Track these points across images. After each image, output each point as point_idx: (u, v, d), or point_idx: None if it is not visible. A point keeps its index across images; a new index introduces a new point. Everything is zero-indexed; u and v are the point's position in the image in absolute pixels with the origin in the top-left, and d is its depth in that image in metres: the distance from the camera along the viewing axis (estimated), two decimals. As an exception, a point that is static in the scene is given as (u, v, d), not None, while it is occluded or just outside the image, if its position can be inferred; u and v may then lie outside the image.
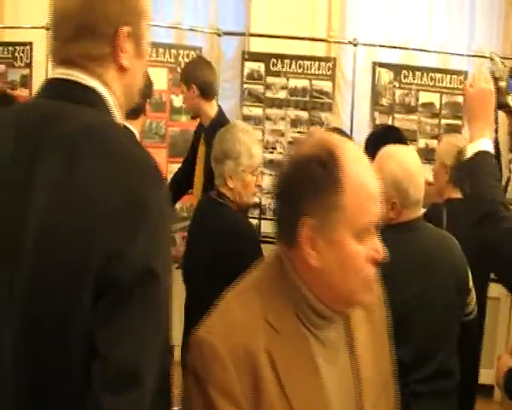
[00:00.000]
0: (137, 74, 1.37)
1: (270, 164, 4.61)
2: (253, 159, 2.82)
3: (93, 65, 1.29)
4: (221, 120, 3.62)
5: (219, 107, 3.95)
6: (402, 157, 2.34)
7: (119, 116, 1.33)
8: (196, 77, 3.71)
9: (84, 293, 1.12)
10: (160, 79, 4.60)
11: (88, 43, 1.28)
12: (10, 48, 5.36)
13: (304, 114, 4.67)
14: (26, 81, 5.26)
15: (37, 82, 5.18)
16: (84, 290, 1.12)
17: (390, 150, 2.39)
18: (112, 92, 1.31)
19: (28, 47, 5.30)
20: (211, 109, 3.84)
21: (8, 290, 1.17)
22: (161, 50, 4.83)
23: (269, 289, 1.31)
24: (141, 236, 1.14)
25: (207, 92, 3.72)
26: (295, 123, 4.68)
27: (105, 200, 1.14)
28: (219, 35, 5.02)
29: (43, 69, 5.23)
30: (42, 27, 5.32)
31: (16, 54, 5.33)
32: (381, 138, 3.27)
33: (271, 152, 4.69)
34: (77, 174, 1.16)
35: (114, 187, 1.15)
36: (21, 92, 5.18)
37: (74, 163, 1.17)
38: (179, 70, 4.52)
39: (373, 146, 3.22)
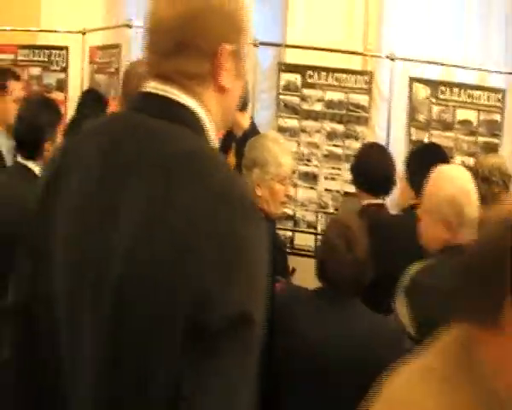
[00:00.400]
0: (236, 96, 1.29)
1: (304, 176, 4.59)
2: (282, 168, 2.79)
3: (191, 83, 1.20)
4: (253, 132, 3.60)
5: (252, 118, 3.94)
6: (457, 176, 2.33)
7: (214, 139, 1.25)
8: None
9: (171, 335, 1.05)
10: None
11: (187, 59, 1.19)
12: (46, 51, 5.39)
13: (339, 127, 4.64)
14: (61, 85, 5.29)
15: (73, 86, 5.21)
16: (171, 333, 1.05)
17: (444, 170, 2.38)
18: (209, 113, 1.22)
19: (64, 51, 5.33)
20: (243, 120, 3.82)
21: (89, 330, 1.12)
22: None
23: (449, 381, 1.05)
24: (235, 278, 1.05)
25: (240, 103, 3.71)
26: (331, 136, 4.66)
27: (198, 236, 1.05)
28: (256, 45, 5.01)
29: (78, 73, 5.27)
30: (78, 32, 5.39)
31: (52, 57, 5.36)
32: (424, 157, 3.24)
33: (306, 164, 4.66)
34: (170, 204, 1.07)
35: (209, 223, 1.06)
36: (57, 96, 5.21)
37: (167, 192, 1.08)
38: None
39: (417, 164, 3.19)
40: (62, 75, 5.32)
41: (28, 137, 2.75)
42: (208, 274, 1.04)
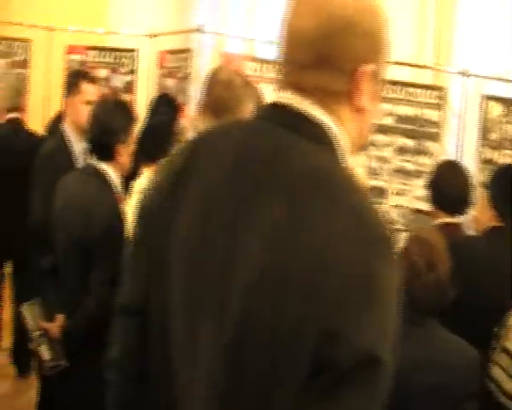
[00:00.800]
0: (371, 117, 1.22)
1: (373, 191, 4.53)
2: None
3: (328, 100, 1.14)
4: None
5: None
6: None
7: (348, 159, 1.18)
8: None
9: (294, 368, 0.98)
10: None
11: (327, 75, 1.13)
12: (114, 53, 5.44)
13: (410, 143, 4.58)
14: (129, 88, 5.33)
15: (141, 89, 5.24)
16: (294, 364, 0.98)
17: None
18: (345, 133, 1.16)
19: (133, 54, 5.37)
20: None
21: (209, 348, 1.06)
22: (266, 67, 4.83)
23: None
24: (365, 317, 0.98)
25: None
26: (401, 151, 4.60)
27: (327, 266, 0.98)
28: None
29: (145, 76, 5.30)
30: (146, 35, 5.42)
31: (120, 60, 5.40)
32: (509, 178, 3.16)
33: (375, 179, 4.61)
34: (300, 227, 1.01)
35: (340, 254, 0.99)
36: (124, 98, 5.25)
37: (300, 214, 1.02)
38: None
39: (502, 186, 3.12)
40: (130, 78, 5.36)
41: (101, 140, 2.74)
42: (337, 315, 0.98)
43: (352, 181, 1.09)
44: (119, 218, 2.66)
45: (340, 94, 1.14)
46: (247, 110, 2.37)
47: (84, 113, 3.45)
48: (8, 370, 4.53)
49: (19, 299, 4.29)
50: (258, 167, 1.08)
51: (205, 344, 1.07)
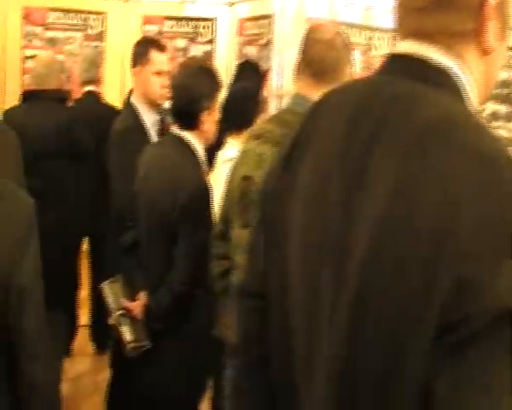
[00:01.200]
0: (499, 60, 1.12)
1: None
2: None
3: (452, 42, 1.05)
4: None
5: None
6: None
7: (476, 106, 1.09)
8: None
9: (423, 328, 0.89)
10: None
11: (449, 15, 1.04)
12: (192, 23, 5.25)
13: (503, 108, 4.21)
14: (208, 57, 5.14)
15: (220, 58, 5.05)
16: (423, 325, 0.89)
17: None
18: (472, 77, 1.07)
19: (211, 23, 5.17)
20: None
21: (325, 320, 1.01)
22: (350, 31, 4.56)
23: None
24: (504, 268, 0.86)
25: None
26: (494, 117, 4.24)
27: (462, 216, 0.89)
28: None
29: (225, 46, 5.11)
30: (225, 4, 5.22)
31: (199, 29, 5.21)
32: None
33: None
34: (424, 180, 0.93)
35: (476, 203, 0.89)
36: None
37: (428, 160, 0.94)
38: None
39: None
40: (209, 47, 5.17)
41: (185, 107, 2.53)
42: (472, 261, 0.87)
43: (483, 127, 1.00)
44: (204, 189, 2.46)
45: (465, 34, 1.06)
46: (347, 73, 2.15)
47: (154, 84, 3.25)
48: (87, 348, 4.47)
49: (96, 276, 4.26)
50: (372, 121, 1.01)
51: (323, 317, 1.02)
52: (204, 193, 2.46)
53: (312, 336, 1.05)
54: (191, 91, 2.51)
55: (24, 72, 5.36)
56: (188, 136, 2.56)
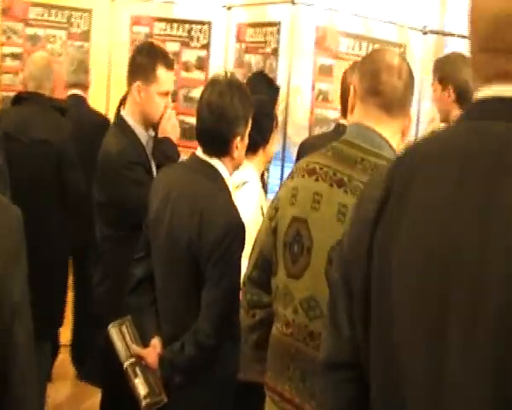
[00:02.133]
0: None
1: None
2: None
3: None
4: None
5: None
6: None
7: None
8: (456, 79, 3.10)
9: None
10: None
11: None
12: (186, 26, 4.92)
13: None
14: (202, 63, 4.81)
15: (215, 64, 4.75)
16: None
17: None
18: None
19: (207, 26, 4.85)
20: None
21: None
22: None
23: None
24: None
25: (464, 99, 3.12)
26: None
27: None
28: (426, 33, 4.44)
29: (221, 52, 4.81)
30: (222, 6, 4.92)
31: (193, 33, 4.88)
32: None
33: None
34: None
35: None
36: (196, 75, 4.76)
37: None
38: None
39: None
40: (204, 53, 4.84)
41: (217, 131, 2.19)
42: None
43: None
44: (238, 225, 2.15)
45: None
46: (409, 109, 1.90)
47: (158, 106, 2.70)
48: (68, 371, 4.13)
49: (78, 292, 4.03)
50: (489, 160, 1.00)
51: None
52: (237, 229, 2.14)
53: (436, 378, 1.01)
54: (225, 114, 2.18)
55: (1, 70, 4.97)
56: (215, 163, 2.24)
